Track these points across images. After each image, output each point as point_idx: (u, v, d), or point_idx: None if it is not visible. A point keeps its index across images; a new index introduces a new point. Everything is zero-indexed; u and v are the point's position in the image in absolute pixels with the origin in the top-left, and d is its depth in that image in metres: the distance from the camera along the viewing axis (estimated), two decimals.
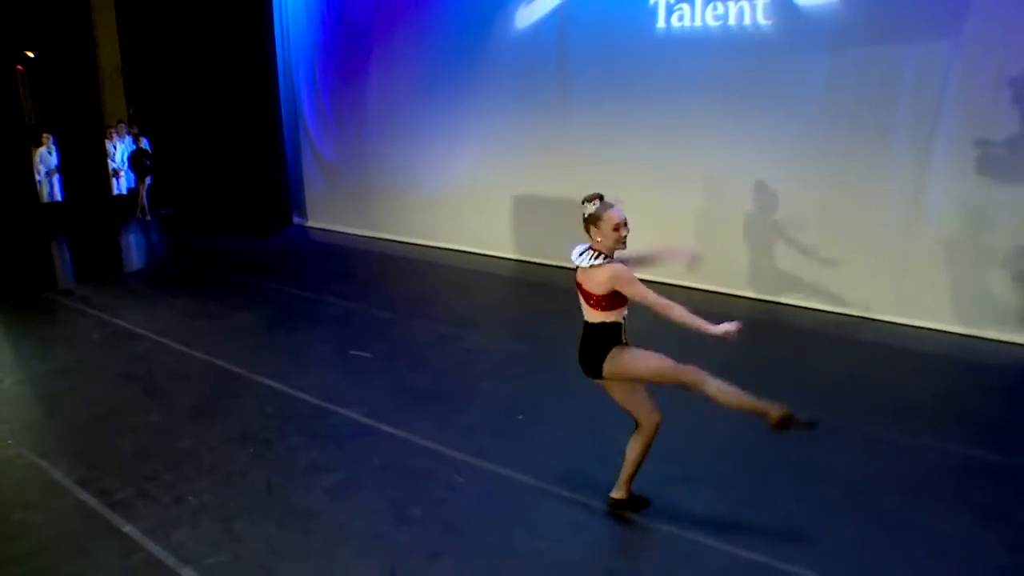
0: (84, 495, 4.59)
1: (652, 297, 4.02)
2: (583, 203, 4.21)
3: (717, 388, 4.09)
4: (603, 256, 4.16)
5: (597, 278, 4.15)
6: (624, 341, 4.28)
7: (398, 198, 11.14)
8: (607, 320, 4.22)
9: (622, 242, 4.17)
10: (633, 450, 4.44)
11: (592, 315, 4.25)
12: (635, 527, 4.44)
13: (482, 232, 10.29)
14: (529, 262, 9.92)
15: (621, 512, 4.49)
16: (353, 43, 11.27)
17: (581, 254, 4.24)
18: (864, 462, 5.10)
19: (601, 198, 4.18)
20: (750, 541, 4.24)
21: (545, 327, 7.42)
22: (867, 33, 7.42)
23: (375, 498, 4.66)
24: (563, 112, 9.30)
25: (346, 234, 11.79)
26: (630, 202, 8.67)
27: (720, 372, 4.12)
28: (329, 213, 12.19)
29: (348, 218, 11.88)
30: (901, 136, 7.40)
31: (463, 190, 10.38)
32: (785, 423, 4.11)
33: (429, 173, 10.68)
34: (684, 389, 4.17)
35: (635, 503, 4.56)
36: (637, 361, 4.19)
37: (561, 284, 8.83)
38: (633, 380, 4.28)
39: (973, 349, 7.15)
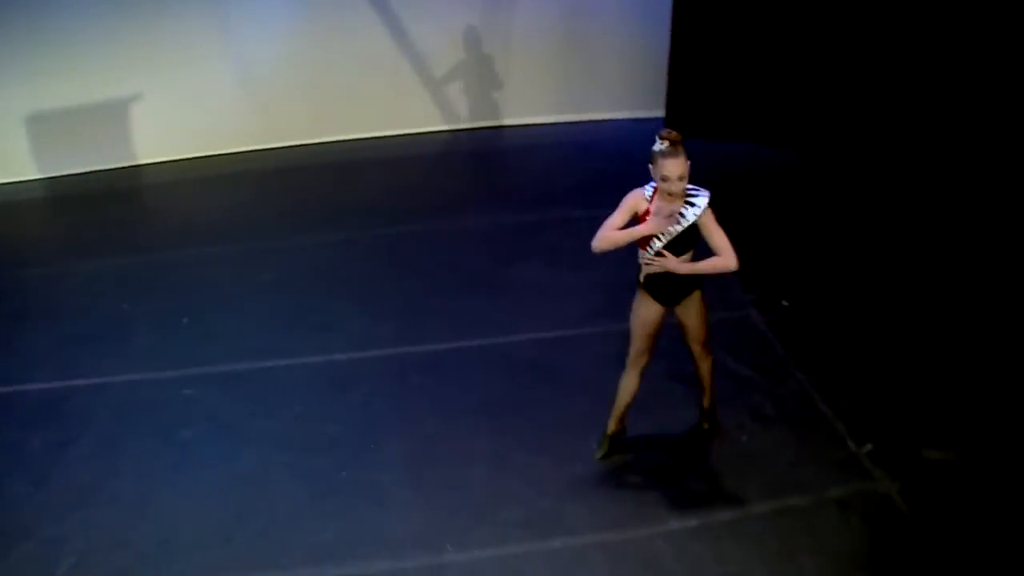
0: None
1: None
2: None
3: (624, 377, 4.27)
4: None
5: None
6: (639, 281, 4.08)
7: None
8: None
9: (667, 193, 3.76)
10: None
11: None
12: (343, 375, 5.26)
13: None
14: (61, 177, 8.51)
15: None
16: None
17: None
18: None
19: (674, 141, 3.71)
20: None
21: (127, 236, 7.13)
22: None
23: (142, 443, 4.75)
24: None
25: None
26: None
27: None
28: None
29: None
30: None
31: None
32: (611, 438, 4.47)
33: None
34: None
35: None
36: (633, 313, 4.15)
37: (104, 190, 8.27)
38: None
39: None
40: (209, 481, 4.49)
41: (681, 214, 3.78)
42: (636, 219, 3.86)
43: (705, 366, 4.40)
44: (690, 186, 3.78)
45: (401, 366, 5.25)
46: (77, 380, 5.37)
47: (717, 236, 3.81)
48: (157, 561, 4.01)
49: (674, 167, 3.67)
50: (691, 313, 4.12)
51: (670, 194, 3.74)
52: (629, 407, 4.38)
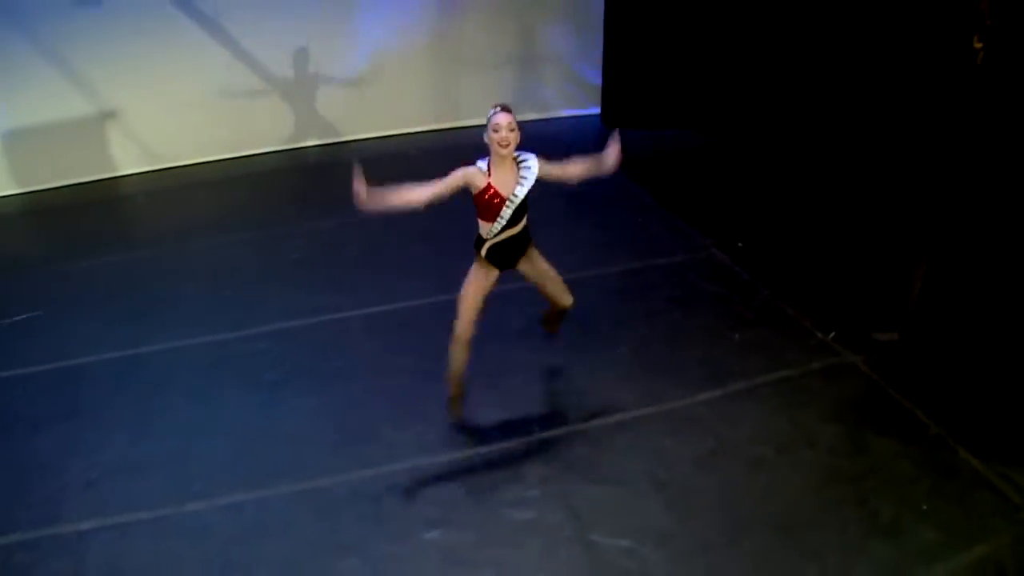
0: None
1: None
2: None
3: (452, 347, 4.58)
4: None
5: None
6: (480, 254, 4.42)
7: None
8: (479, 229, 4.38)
9: (499, 144, 4.12)
10: None
11: None
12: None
13: None
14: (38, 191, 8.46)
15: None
16: None
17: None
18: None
19: (504, 106, 4.17)
20: None
21: (140, 233, 7.42)
22: None
23: (231, 389, 5.14)
24: None
25: None
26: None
27: None
28: None
29: None
30: None
31: None
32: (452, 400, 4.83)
33: None
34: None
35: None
36: (467, 285, 4.50)
37: (93, 199, 8.31)
38: None
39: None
40: (305, 409, 4.99)
41: (523, 177, 4.17)
42: (471, 195, 4.25)
43: (567, 301, 4.72)
44: (519, 152, 4.21)
45: (443, 310, 5.82)
46: (145, 348, 5.65)
47: (568, 164, 4.33)
48: (278, 471, 4.49)
49: (504, 118, 4.10)
50: (535, 262, 4.50)
51: (501, 146, 4.10)
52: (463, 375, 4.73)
